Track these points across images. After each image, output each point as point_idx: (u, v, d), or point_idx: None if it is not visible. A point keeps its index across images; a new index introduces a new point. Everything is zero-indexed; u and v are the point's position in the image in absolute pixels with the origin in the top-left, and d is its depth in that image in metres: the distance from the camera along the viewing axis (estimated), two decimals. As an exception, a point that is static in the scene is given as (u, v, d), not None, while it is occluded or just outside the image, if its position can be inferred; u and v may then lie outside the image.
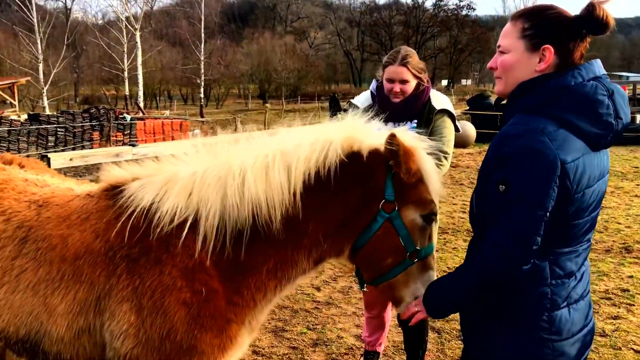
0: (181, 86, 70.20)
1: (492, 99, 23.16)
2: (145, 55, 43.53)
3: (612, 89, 2.06)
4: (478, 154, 17.08)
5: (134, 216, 2.37)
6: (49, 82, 36.85)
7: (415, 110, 3.74)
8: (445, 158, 3.68)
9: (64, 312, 2.37)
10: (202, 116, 39.14)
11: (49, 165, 6.55)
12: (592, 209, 2.10)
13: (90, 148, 20.17)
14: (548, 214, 1.96)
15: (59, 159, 6.96)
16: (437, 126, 3.72)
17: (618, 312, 5.50)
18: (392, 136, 2.25)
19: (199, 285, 2.29)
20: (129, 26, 40.88)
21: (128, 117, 24.12)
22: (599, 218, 2.25)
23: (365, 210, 2.32)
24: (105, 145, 21.41)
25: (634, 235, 8.14)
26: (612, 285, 6.19)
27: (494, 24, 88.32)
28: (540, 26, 2.07)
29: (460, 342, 4.87)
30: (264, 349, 4.81)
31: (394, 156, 2.27)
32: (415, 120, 3.72)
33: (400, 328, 4.89)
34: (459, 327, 5.06)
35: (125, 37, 41.53)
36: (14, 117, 23.57)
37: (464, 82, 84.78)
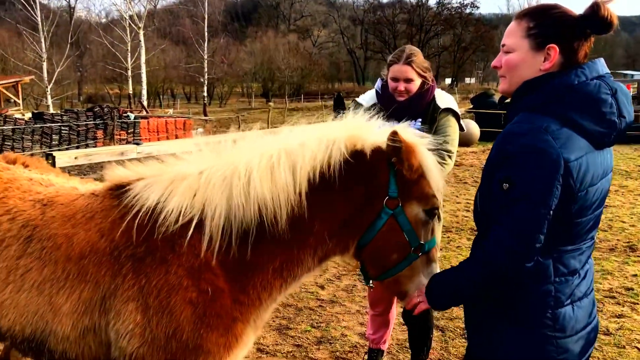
0: (184, 85, 70.31)
1: (496, 97, 23.13)
2: (148, 54, 43.54)
3: (616, 87, 2.07)
4: (482, 152, 17.07)
5: (139, 216, 2.37)
6: (52, 81, 36.91)
7: (420, 109, 3.75)
8: (449, 157, 3.69)
9: (69, 311, 2.38)
10: (205, 115, 39.26)
11: (54, 163, 6.61)
12: (595, 207, 2.11)
13: (94, 147, 20.22)
14: (551, 212, 1.97)
15: (64, 157, 7.02)
16: (441, 125, 3.73)
17: (622, 310, 5.50)
18: (395, 133, 2.27)
19: (205, 284, 2.30)
20: (133, 25, 40.87)
21: (132, 116, 24.14)
22: (603, 217, 2.27)
23: (370, 208, 2.34)
24: (109, 143, 21.44)
25: (638, 234, 8.12)
26: (616, 284, 6.18)
27: (498, 22, 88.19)
28: (545, 25, 2.08)
29: (464, 340, 4.88)
30: (268, 346, 4.83)
31: (396, 153, 2.29)
32: (420, 119, 3.73)
33: (404, 326, 4.91)
34: (462, 326, 5.08)
35: (128, 36, 41.56)
36: (18, 115, 23.63)
37: (467, 80, 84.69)
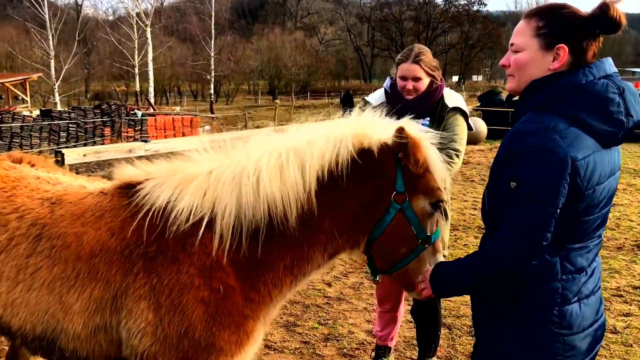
0: (191, 82, 70.40)
1: (504, 95, 23.03)
2: (155, 52, 43.61)
3: (623, 86, 2.08)
4: (489, 150, 17.03)
5: (150, 215, 2.39)
6: (60, 78, 37.05)
7: (428, 107, 3.76)
8: (457, 156, 3.70)
9: (80, 310, 2.39)
10: (212, 112, 39.29)
11: (63, 160, 6.63)
12: (602, 205, 2.12)
13: (101, 144, 20.31)
14: (558, 211, 1.98)
15: (73, 154, 7.04)
16: (449, 124, 3.75)
17: (629, 309, 5.50)
18: (401, 129, 2.31)
19: (216, 283, 2.32)
20: (140, 22, 40.97)
21: (139, 113, 24.23)
22: (611, 215, 2.28)
23: (378, 203, 2.37)
24: (117, 141, 21.54)
25: (645, 233, 8.11)
26: (624, 283, 6.18)
27: (506, 20, 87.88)
28: (554, 25, 2.09)
29: (471, 337, 4.90)
30: (276, 343, 4.86)
31: (403, 149, 2.32)
32: (428, 118, 3.75)
33: (411, 323, 4.92)
34: (469, 323, 5.09)
35: (135, 33, 41.65)
36: (26, 113, 23.75)
37: (474, 78, 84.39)
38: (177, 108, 40.92)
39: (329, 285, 6.28)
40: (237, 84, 71.77)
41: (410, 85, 3.75)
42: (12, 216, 2.63)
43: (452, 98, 3.82)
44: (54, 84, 36.31)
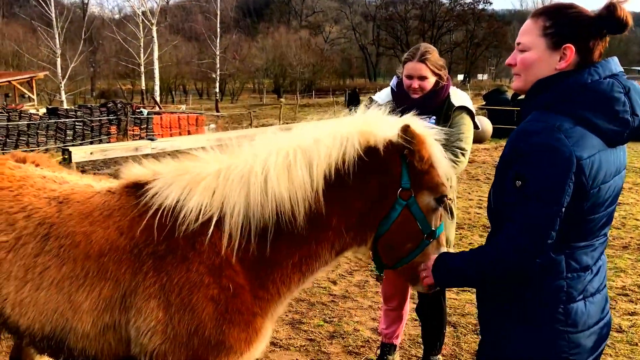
0: (196, 81, 70.39)
1: (509, 94, 22.97)
2: (161, 50, 43.73)
3: (629, 86, 2.09)
4: (494, 149, 17.01)
5: (159, 214, 2.40)
6: (66, 77, 37.18)
7: (434, 106, 3.77)
8: (463, 155, 3.72)
9: (89, 309, 2.40)
10: (217, 111, 39.36)
11: (70, 158, 6.67)
12: (608, 204, 2.13)
13: (107, 142, 20.38)
14: (563, 209, 2.00)
15: (80, 152, 7.07)
16: (455, 123, 3.76)
17: (635, 308, 5.49)
18: (407, 126, 2.34)
19: (226, 281, 2.34)
20: (146, 21, 41.09)
21: (145, 112, 24.30)
22: (616, 214, 2.29)
23: (385, 200, 2.40)
24: (123, 139, 21.59)
25: (651, 232, 8.09)
26: (630, 282, 6.17)
27: (511, 18, 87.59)
28: (561, 25, 2.09)
29: (475, 336, 4.91)
30: (281, 340, 4.88)
31: (408, 145, 2.35)
32: (434, 117, 3.76)
33: (416, 321, 4.94)
34: (474, 322, 5.11)
35: (141, 32, 41.76)
36: (32, 111, 23.85)
37: (480, 76, 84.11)
38: (183, 106, 40.93)
39: (334, 283, 6.30)
40: (242, 83, 71.76)
41: (416, 84, 3.76)
42: (19, 215, 2.64)
43: (459, 97, 3.83)
44: (60, 82, 36.47)
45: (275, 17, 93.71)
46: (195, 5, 62.33)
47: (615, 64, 2.13)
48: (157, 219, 2.40)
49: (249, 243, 2.37)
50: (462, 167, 3.80)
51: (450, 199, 3.86)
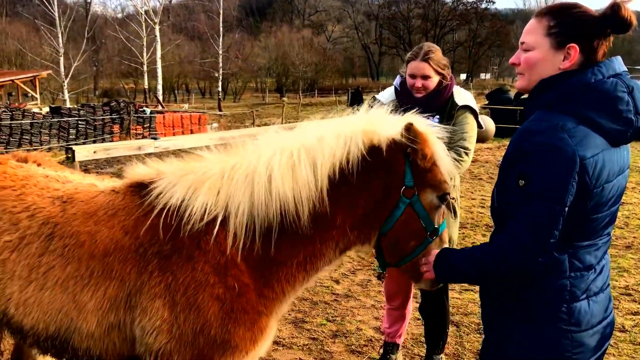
0: (199, 80, 70.40)
1: (512, 93, 22.95)
2: (164, 49, 43.72)
3: (632, 85, 2.09)
4: (497, 148, 16.98)
5: (164, 214, 2.41)
6: (69, 76, 37.24)
7: (438, 105, 3.78)
8: (467, 154, 3.72)
9: (94, 308, 2.40)
10: (220, 110, 39.32)
11: (73, 157, 6.68)
12: (611, 203, 2.14)
13: (110, 141, 20.40)
14: (566, 209, 2.00)
15: (83, 151, 7.08)
16: (458, 122, 3.76)
17: (638, 308, 5.49)
18: (410, 125, 2.35)
19: (231, 280, 2.35)
20: (148, 20, 41.09)
21: (148, 111, 24.33)
22: (619, 214, 2.30)
23: (388, 199, 2.41)
24: (126, 138, 21.64)
25: (654, 231, 8.07)
26: (633, 282, 6.16)
27: (514, 18, 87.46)
28: (566, 24, 2.10)
29: (478, 335, 4.91)
30: (284, 339, 4.89)
31: (411, 144, 2.36)
32: (438, 116, 3.76)
33: (419, 320, 4.94)
34: (477, 321, 5.11)
35: (144, 31, 41.78)
36: (36, 110, 23.90)
37: (482, 76, 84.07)
38: (186, 105, 41.03)
39: (337, 282, 6.31)
40: (244, 82, 71.74)
41: (419, 83, 3.76)
42: (23, 215, 2.63)
43: (462, 96, 3.84)
44: (63, 82, 36.51)
45: (277, 16, 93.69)
46: (198, 4, 62.30)
47: (619, 64, 2.13)
48: (162, 218, 2.41)
49: (253, 242, 2.38)
50: (466, 167, 3.80)
51: (453, 198, 3.86)
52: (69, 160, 6.58)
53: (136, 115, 23.35)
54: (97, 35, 59.08)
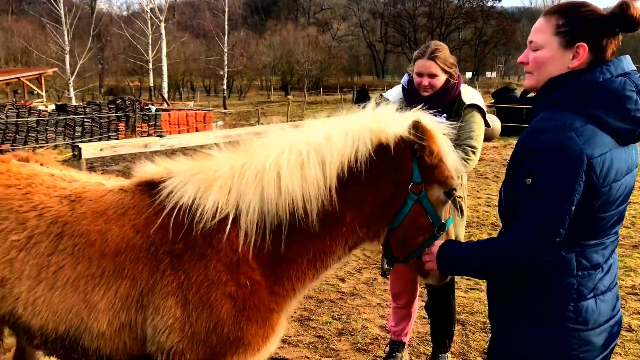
0: (204, 78, 70.42)
1: (518, 91, 22.87)
2: (169, 47, 43.81)
3: None
4: (503, 147, 16.96)
5: (175, 212, 2.42)
6: (75, 73, 37.36)
7: (445, 104, 3.77)
8: (474, 152, 3.72)
9: (105, 307, 2.40)
10: (225, 108, 39.38)
11: (80, 155, 6.70)
12: (619, 202, 2.13)
13: (116, 138, 20.46)
14: (573, 207, 2.00)
15: (90, 149, 7.10)
16: (466, 121, 3.76)
17: (644, 307, 5.47)
18: (417, 122, 2.37)
19: (243, 278, 2.36)
20: (154, 17, 41.19)
21: (153, 109, 24.39)
22: (626, 213, 2.29)
23: (396, 195, 2.43)
24: (131, 135, 21.70)
25: (661, 231, 8.04)
26: (639, 281, 6.15)
27: (520, 16, 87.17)
28: (574, 23, 2.09)
29: (484, 334, 4.91)
30: (290, 337, 4.90)
31: (419, 140, 2.38)
32: (445, 115, 3.76)
33: (425, 319, 4.94)
34: (483, 320, 5.11)
35: (149, 29, 41.88)
36: (41, 107, 23.98)
37: (488, 74, 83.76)
38: (191, 103, 41.02)
39: (343, 280, 6.32)
40: (249, 80, 71.74)
41: (426, 81, 3.76)
42: (31, 214, 2.62)
43: (470, 95, 3.83)
44: (69, 79, 36.65)
45: (283, 14, 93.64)
46: (203, 2, 62.51)
47: (627, 63, 2.13)
48: (173, 217, 2.42)
49: (264, 240, 2.40)
50: (473, 165, 3.80)
51: (460, 197, 3.86)
52: (76, 158, 6.60)
53: (141, 113, 23.41)
54: (103, 33, 59.32)
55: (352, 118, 2.54)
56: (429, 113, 2.59)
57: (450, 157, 2.49)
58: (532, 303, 2.17)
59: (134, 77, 62.74)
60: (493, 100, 23.79)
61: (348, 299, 5.79)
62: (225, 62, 50.27)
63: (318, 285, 6.01)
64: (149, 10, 41.59)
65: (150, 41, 42.55)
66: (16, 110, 20.67)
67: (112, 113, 22.87)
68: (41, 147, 19.45)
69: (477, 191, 10.92)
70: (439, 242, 2.41)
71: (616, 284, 2.27)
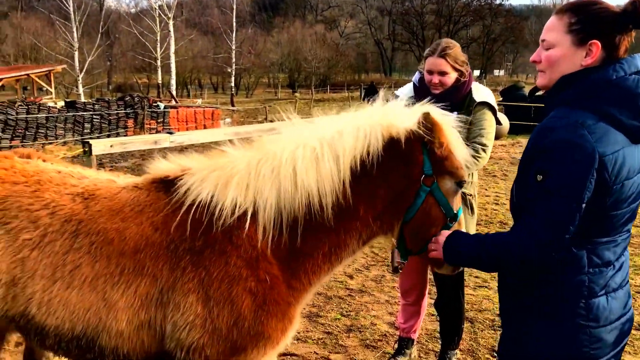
0: (212, 75, 70.56)
1: (526, 90, 22.80)
2: (177, 44, 43.86)
3: None
4: (511, 145, 16.91)
5: (193, 209, 2.43)
6: (83, 70, 37.50)
7: (456, 101, 3.78)
8: (484, 150, 3.73)
9: (125, 306, 2.38)
10: (232, 105, 39.46)
11: (90, 151, 6.74)
12: (631, 200, 2.14)
13: (124, 135, 20.56)
14: (584, 205, 2.01)
15: (100, 145, 7.13)
16: (476, 118, 3.76)
17: (653, 306, 5.46)
18: (427, 114, 2.40)
19: (263, 273, 2.39)
20: (162, 15, 41.25)
21: (161, 106, 24.46)
22: (638, 211, 2.30)
23: (409, 188, 2.46)
24: (140, 132, 21.78)
25: (670, 230, 8.00)
26: (648, 280, 6.13)
27: (529, 14, 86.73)
28: (587, 21, 2.10)
29: (492, 331, 4.92)
30: (299, 333, 4.92)
31: (429, 133, 2.40)
32: (455, 112, 3.76)
33: (434, 316, 4.96)
34: (492, 317, 5.12)
35: (158, 26, 41.94)
36: (51, 104, 24.09)
37: (496, 72, 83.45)
38: (199, 100, 41.15)
39: (351, 277, 6.34)
40: (257, 77, 71.75)
41: (436, 79, 3.77)
42: (42, 212, 2.56)
43: (481, 92, 3.84)
44: (78, 76, 36.76)
45: (290, 11, 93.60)
46: (212, -1, 62.48)
47: (640, 60, 2.13)
48: (191, 214, 2.43)
49: (281, 235, 2.43)
50: (483, 163, 3.80)
51: (471, 195, 3.87)
52: (86, 154, 6.63)
53: (150, 110, 23.49)
54: (111, 30, 59.45)
55: (361, 114, 2.58)
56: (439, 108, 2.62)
57: (459, 148, 2.53)
58: (543, 300, 2.18)
59: (142, 74, 62.89)
60: (501, 99, 23.71)
61: (357, 296, 5.81)
62: (233, 60, 50.28)
63: (326, 281, 6.02)
64: (157, 8, 41.67)
65: (158, 38, 42.61)
66: (26, 107, 20.79)
67: (121, 110, 22.96)
68: (50, 143, 19.60)
69: (486, 189, 10.90)
70: (445, 232, 2.44)
71: (627, 281, 2.28)
